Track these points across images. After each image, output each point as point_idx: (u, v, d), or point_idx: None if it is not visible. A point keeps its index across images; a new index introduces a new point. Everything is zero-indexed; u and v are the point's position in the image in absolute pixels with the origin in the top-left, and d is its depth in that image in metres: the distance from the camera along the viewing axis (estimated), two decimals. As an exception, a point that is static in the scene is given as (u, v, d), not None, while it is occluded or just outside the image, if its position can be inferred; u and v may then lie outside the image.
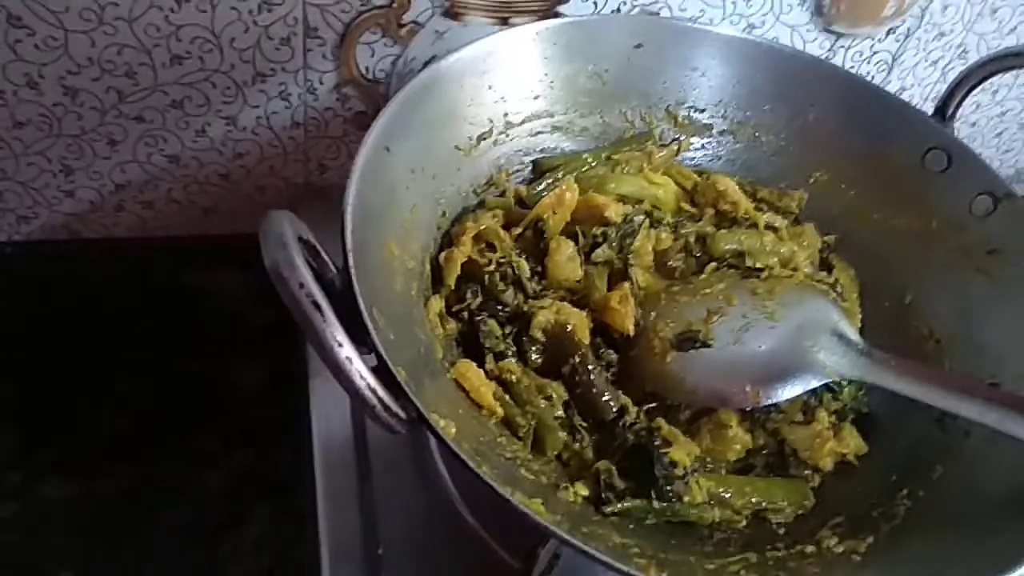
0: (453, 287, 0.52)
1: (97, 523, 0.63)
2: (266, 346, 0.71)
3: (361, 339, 0.38)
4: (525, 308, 0.52)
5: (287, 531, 0.62)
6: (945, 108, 0.60)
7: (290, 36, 0.62)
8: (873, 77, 0.78)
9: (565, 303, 0.52)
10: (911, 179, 0.58)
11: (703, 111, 0.63)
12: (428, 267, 0.52)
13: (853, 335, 0.50)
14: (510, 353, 0.51)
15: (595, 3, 0.67)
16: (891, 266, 0.58)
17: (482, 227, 0.53)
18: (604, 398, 0.50)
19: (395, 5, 0.62)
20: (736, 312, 0.52)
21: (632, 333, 0.52)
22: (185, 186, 0.70)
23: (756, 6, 0.70)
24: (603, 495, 0.45)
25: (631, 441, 0.47)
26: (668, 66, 0.62)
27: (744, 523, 0.46)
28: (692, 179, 0.62)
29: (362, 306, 0.39)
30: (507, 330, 0.51)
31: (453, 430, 0.39)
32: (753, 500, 0.47)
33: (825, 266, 0.59)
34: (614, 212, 0.56)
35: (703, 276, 0.56)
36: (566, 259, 0.54)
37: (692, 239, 0.57)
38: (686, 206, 0.61)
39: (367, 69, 0.66)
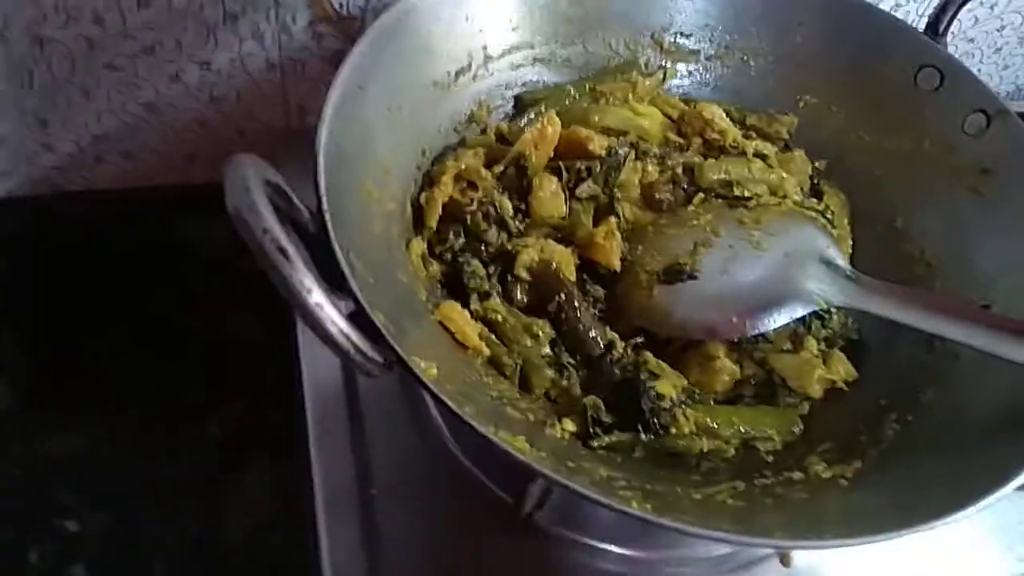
0: (435, 228, 0.51)
1: (98, 475, 0.64)
2: (256, 296, 0.71)
3: (339, 285, 0.38)
4: (509, 247, 0.51)
5: (286, 478, 0.63)
6: (937, 23, 0.58)
7: (258, -28, 0.60)
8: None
9: (550, 241, 0.52)
10: (903, 99, 0.57)
11: (689, 36, 0.61)
12: (409, 208, 0.51)
13: (841, 261, 0.49)
14: (495, 293, 0.50)
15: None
16: (882, 190, 0.57)
17: (463, 166, 0.52)
18: (591, 335, 0.49)
19: (366, -64, 0.60)
20: (723, 243, 0.52)
21: (618, 269, 0.51)
22: (164, 134, 0.69)
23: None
24: (590, 430, 0.45)
25: (618, 376, 0.47)
26: (651, -11, 0.60)
27: (732, 453, 0.47)
28: (678, 108, 0.61)
29: (337, 249, 0.38)
30: (491, 270, 0.51)
31: (435, 371, 0.38)
32: (741, 429, 0.47)
33: (815, 192, 0.58)
34: (598, 145, 0.54)
35: (690, 208, 0.55)
36: (550, 195, 0.53)
37: (679, 170, 0.56)
38: (673, 136, 0.59)
39: (341, 5, 0.64)
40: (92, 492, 0.63)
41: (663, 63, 0.62)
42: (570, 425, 0.45)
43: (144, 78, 0.64)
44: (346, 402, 0.56)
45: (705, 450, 0.46)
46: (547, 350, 0.49)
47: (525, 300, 0.50)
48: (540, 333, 0.49)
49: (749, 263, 0.50)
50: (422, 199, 0.51)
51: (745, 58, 0.61)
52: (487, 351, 0.47)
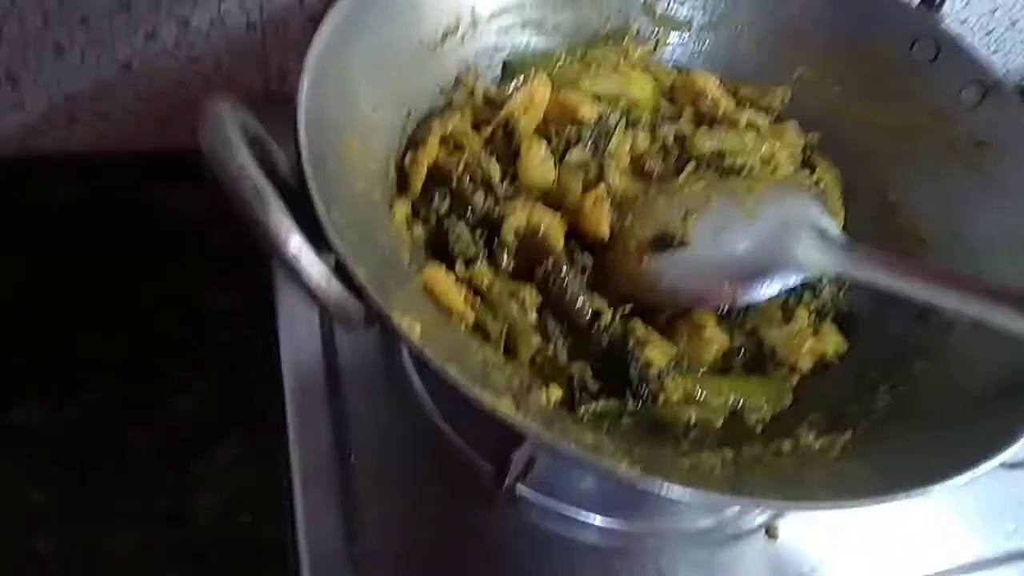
0: (419, 192, 0.50)
1: (66, 446, 0.62)
2: (233, 265, 0.69)
3: (321, 241, 0.36)
4: (496, 211, 0.50)
5: (260, 450, 0.61)
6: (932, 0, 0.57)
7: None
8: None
9: (538, 204, 0.50)
10: (898, 71, 0.56)
11: (682, 4, 0.60)
12: (392, 170, 0.50)
13: (833, 229, 0.48)
14: (481, 258, 0.49)
15: None
16: (875, 163, 0.56)
17: (449, 128, 0.51)
18: (578, 303, 0.48)
19: None
20: (714, 212, 0.50)
21: (607, 238, 0.50)
22: (139, 95, 0.66)
23: None
24: (577, 396, 0.44)
25: (606, 343, 0.46)
26: (645, -46, 0.58)
27: (720, 422, 0.46)
28: (671, 77, 0.59)
29: (316, 200, 0.37)
30: (477, 234, 0.49)
31: (418, 329, 0.37)
32: (730, 399, 0.46)
33: (808, 165, 0.57)
34: (588, 111, 0.53)
35: (681, 178, 0.54)
36: (538, 161, 0.52)
37: (670, 139, 0.55)
38: (665, 105, 0.58)
39: (325, -36, 0.62)
40: (59, 463, 0.61)
41: (655, 31, 0.60)
42: (556, 391, 0.44)
43: (119, 35, 0.62)
44: (325, 372, 0.55)
45: (693, 420, 0.45)
46: (533, 316, 0.47)
47: (512, 265, 0.49)
48: (527, 299, 0.48)
49: (741, 231, 0.49)
50: (406, 161, 0.50)
51: (739, 28, 0.60)
52: (472, 316, 0.46)
